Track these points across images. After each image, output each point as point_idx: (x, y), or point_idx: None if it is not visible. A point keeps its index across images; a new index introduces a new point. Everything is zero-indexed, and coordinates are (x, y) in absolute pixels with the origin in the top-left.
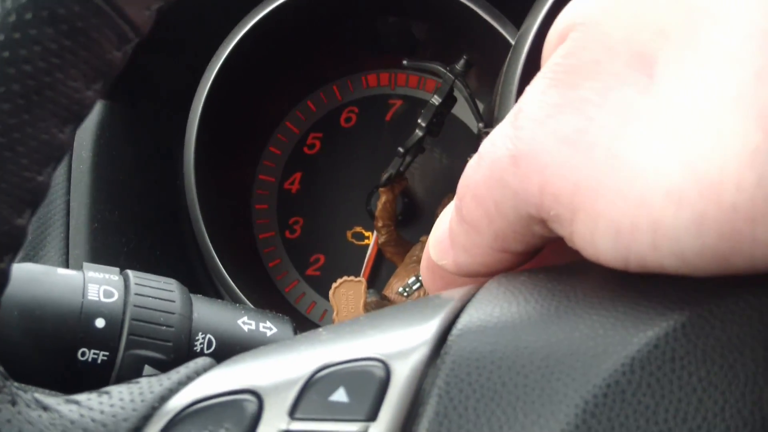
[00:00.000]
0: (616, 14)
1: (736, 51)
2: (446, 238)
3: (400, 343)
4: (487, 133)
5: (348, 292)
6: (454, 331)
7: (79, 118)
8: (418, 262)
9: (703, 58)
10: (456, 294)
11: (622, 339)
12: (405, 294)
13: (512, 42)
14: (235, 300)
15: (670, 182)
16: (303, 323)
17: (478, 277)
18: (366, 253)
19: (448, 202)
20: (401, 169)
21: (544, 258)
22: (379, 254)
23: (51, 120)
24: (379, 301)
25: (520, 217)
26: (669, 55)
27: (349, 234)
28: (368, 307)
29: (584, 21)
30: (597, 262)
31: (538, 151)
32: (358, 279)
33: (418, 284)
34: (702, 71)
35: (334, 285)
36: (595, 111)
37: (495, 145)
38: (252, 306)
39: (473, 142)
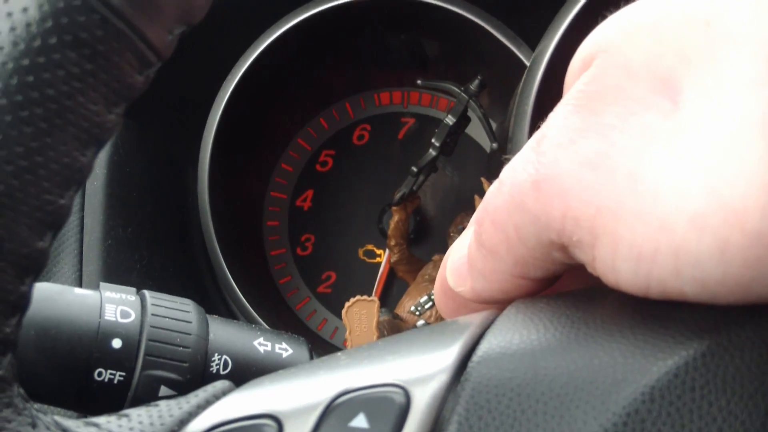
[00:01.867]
0: (637, 40)
1: (758, 75)
2: (463, 264)
3: (420, 369)
4: (502, 155)
5: (361, 311)
6: (474, 358)
7: (100, 142)
8: (431, 281)
9: (726, 83)
10: (475, 320)
11: (641, 367)
12: (417, 313)
13: (526, 63)
14: (246, 316)
15: (693, 207)
16: (314, 340)
17: (495, 304)
18: (377, 270)
19: (461, 221)
20: (414, 188)
21: (562, 284)
22: (391, 272)
23: (72, 143)
24: (391, 320)
25: (540, 243)
26: (692, 79)
27: (360, 252)
28: (381, 326)
29: (606, 48)
30: (618, 288)
31: (559, 176)
32: (371, 299)
33: (430, 303)
34: (725, 96)
35: (347, 304)
36: (618, 135)
37: (516, 171)
38: (263, 323)
39: (485, 162)
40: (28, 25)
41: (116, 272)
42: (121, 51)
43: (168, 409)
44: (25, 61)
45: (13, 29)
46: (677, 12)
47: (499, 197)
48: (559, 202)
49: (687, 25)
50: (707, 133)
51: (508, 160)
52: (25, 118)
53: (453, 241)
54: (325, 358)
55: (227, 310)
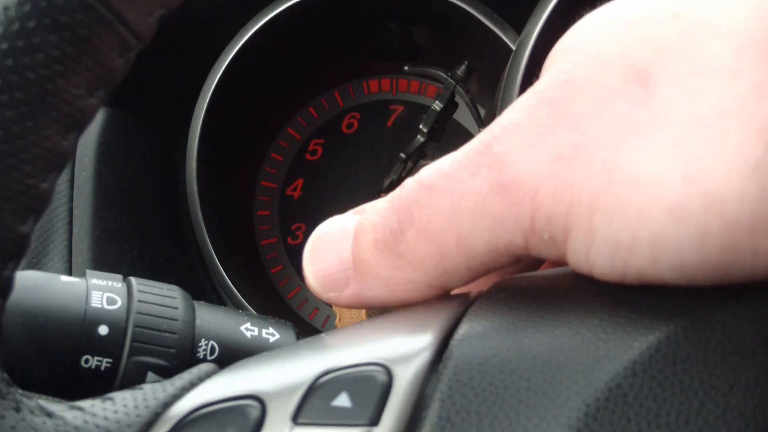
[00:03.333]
0: (610, 34)
1: (734, 64)
2: (344, 270)
3: (402, 348)
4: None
5: None
6: (456, 336)
7: (81, 126)
8: None
9: (701, 71)
10: (458, 299)
11: (623, 343)
12: None
13: (513, 47)
14: (238, 306)
15: (671, 196)
16: (305, 329)
17: (379, 307)
18: None
19: None
20: (403, 174)
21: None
22: None
23: (54, 127)
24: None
25: (491, 249)
26: (665, 67)
27: None
28: (371, 314)
29: (579, 43)
30: (591, 276)
31: (530, 175)
32: None
33: None
34: (700, 84)
35: None
36: (589, 125)
37: (461, 175)
38: (255, 312)
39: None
40: (5, 8)
41: (106, 263)
42: (101, 34)
43: (152, 391)
44: (4, 45)
45: None
46: (650, 8)
47: (433, 205)
48: (529, 201)
49: (659, 19)
50: (682, 121)
51: (425, 165)
52: (5, 101)
53: None
54: (308, 339)
55: (219, 300)
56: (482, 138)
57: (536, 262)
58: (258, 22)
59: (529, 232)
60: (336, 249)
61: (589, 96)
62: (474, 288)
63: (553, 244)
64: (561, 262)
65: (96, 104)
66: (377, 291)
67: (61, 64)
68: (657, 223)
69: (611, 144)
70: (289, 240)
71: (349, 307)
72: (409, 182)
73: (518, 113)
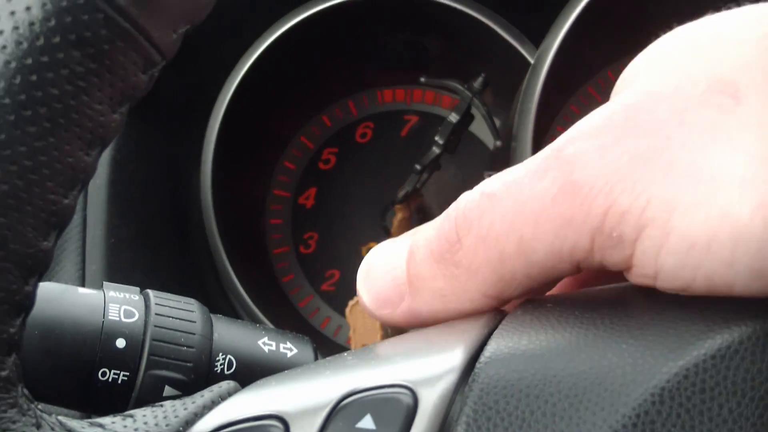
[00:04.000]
0: (695, 50)
1: None
2: (397, 286)
3: (427, 370)
4: (488, 169)
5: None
6: (482, 359)
7: (104, 142)
8: None
9: None
10: (482, 320)
11: (651, 368)
12: None
13: (530, 60)
14: (249, 314)
15: (761, 195)
16: (317, 339)
17: (427, 324)
18: None
19: None
20: (417, 186)
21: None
22: None
23: (76, 143)
24: None
25: (553, 253)
26: (754, 81)
27: (363, 249)
28: (385, 326)
29: (661, 60)
30: (651, 283)
31: (606, 173)
32: None
33: None
34: None
35: (350, 303)
36: (674, 130)
37: (526, 180)
38: (267, 321)
39: (489, 159)
40: (31, 24)
41: (119, 271)
42: (125, 50)
43: (173, 409)
44: (29, 60)
45: (16, 28)
46: (734, 28)
47: (495, 210)
48: (603, 198)
49: (745, 39)
50: None
51: (490, 175)
52: (28, 117)
53: None
54: (331, 358)
55: (230, 309)
56: (554, 144)
57: (593, 275)
58: (273, 32)
59: (597, 230)
60: (390, 268)
61: (673, 104)
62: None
63: (621, 244)
64: (623, 268)
65: (119, 120)
66: (431, 304)
67: (85, 80)
68: (742, 222)
69: (697, 147)
70: (302, 249)
71: (404, 325)
72: (468, 194)
73: (596, 118)
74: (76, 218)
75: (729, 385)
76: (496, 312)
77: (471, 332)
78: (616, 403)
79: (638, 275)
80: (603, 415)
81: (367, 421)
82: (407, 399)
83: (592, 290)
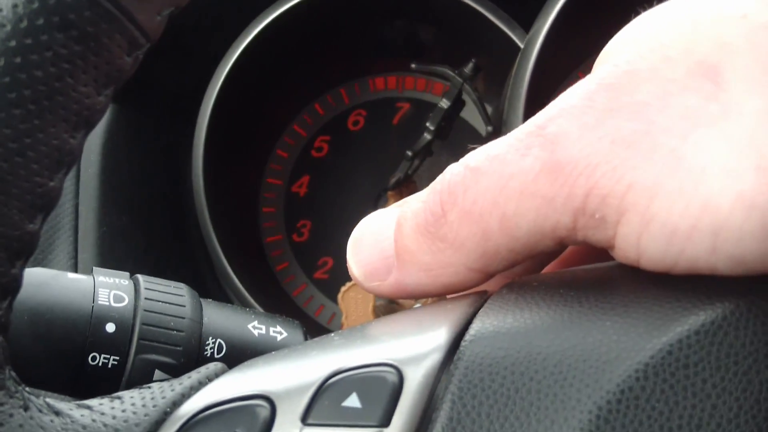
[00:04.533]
0: (673, 30)
1: None
2: (385, 258)
3: (412, 348)
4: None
5: (357, 295)
6: (467, 337)
7: (89, 124)
8: None
9: None
10: (468, 299)
11: (635, 344)
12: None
13: (521, 45)
14: (244, 304)
15: (742, 186)
16: (311, 327)
17: (418, 297)
18: None
19: None
20: (409, 172)
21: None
22: None
23: (62, 125)
24: (387, 304)
25: (536, 229)
26: (735, 65)
27: None
28: (377, 311)
29: (640, 37)
30: (635, 264)
31: (588, 155)
32: None
33: None
34: None
35: (342, 288)
36: (656, 115)
37: (510, 157)
38: (261, 309)
39: (481, 145)
40: (14, 6)
41: (112, 260)
42: (109, 32)
43: (161, 390)
44: (12, 43)
45: None
46: (715, 8)
47: (478, 186)
48: (584, 180)
49: (724, 18)
50: (755, 115)
51: (474, 148)
52: (13, 99)
53: None
54: (318, 339)
55: (224, 297)
56: (535, 120)
57: (582, 255)
58: (264, 19)
59: (579, 211)
60: (378, 239)
61: (654, 87)
62: (492, 286)
63: (603, 226)
64: (606, 247)
65: (104, 102)
66: (417, 277)
67: (69, 62)
68: (723, 212)
69: (680, 133)
70: (295, 237)
71: (391, 296)
72: (453, 166)
73: (575, 97)
74: (68, 207)
75: (713, 361)
76: (481, 292)
77: (456, 311)
78: (601, 379)
79: (621, 256)
80: (588, 392)
81: (353, 399)
82: (393, 377)
83: (577, 269)
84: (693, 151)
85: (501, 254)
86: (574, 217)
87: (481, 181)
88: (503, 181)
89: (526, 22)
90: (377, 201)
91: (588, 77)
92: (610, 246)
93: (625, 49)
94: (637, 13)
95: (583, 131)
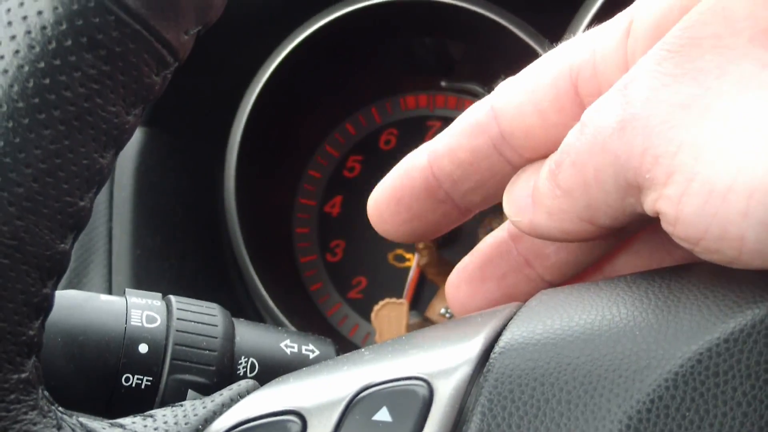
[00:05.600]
0: None
1: None
2: (527, 197)
3: (442, 361)
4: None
5: (390, 314)
6: (497, 349)
7: (119, 143)
8: None
9: None
10: (497, 312)
11: (665, 353)
12: (447, 315)
13: None
14: (277, 323)
15: None
16: (346, 346)
17: (550, 240)
18: (407, 274)
19: (489, 222)
20: None
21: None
22: (421, 276)
23: (91, 145)
24: (421, 322)
25: (617, 186)
26: None
27: (390, 256)
28: (411, 329)
29: None
30: (672, 232)
31: (647, 116)
32: (400, 301)
33: None
34: None
35: (376, 307)
36: (713, 81)
37: (600, 113)
38: (294, 329)
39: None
40: (43, 27)
41: (146, 281)
42: (137, 52)
43: (192, 408)
44: (41, 64)
45: (28, 32)
46: None
47: (581, 139)
48: (642, 139)
49: None
50: None
51: (503, 79)
52: (42, 120)
53: None
54: (348, 354)
55: (259, 319)
56: (622, 80)
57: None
58: (294, 39)
59: (637, 169)
60: (528, 179)
61: (715, 55)
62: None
63: (651, 187)
64: (652, 212)
65: (133, 122)
66: (544, 219)
67: (98, 82)
68: (758, 174)
69: (731, 98)
70: (328, 257)
71: (529, 233)
72: (585, 111)
73: (648, 61)
74: (102, 229)
75: (743, 368)
76: (512, 304)
77: (486, 324)
78: (631, 388)
79: (663, 222)
80: (618, 401)
81: (383, 414)
82: (423, 391)
83: (606, 280)
84: (740, 114)
85: (602, 208)
86: (635, 176)
87: (584, 133)
88: (596, 134)
89: (554, 37)
90: None
91: (658, 44)
92: (655, 213)
93: (693, 9)
94: None
95: (649, 94)
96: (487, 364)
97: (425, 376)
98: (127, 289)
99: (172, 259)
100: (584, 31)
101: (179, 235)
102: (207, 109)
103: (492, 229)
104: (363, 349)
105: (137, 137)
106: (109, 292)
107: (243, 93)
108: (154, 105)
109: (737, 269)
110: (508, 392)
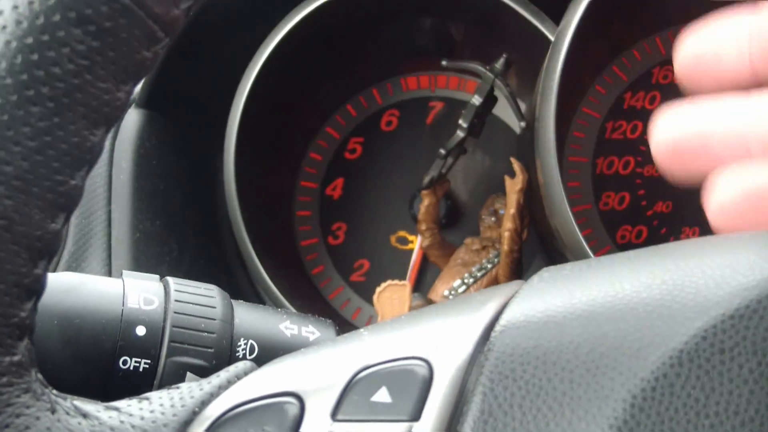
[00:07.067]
0: None
1: None
2: None
3: (442, 341)
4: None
5: (392, 296)
6: (497, 328)
7: (110, 120)
8: (463, 264)
9: None
10: (499, 291)
11: (669, 330)
12: (450, 297)
13: (552, 38)
14: (279, 307)
15: None
16: (348, 330)
17: None
18: (410, 257)
19: (492, 203)
20: (443, 171)
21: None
22: (424, 258)
23: (81, 122)
24: (424, 304)
25: None
26: None
27: (392, 238)
28: (411, 309)
29: None
30: None
31: None
32: (402, 283)
33: (463, 287)
34: None
35: (378, 289)
36: None
37: None
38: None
39: (515, 142)
40: (30, 2)
41: (145, 265)
42: (127, 27)
43: (189, 390)
44: (29, 40)
45: (15, 7)
46: None
47: None
48: None
49: None
50: None
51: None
52: (31, 97)
53: (485, 224)
54: (347, 335)
55: (260, 302)
56: None
57: None
58: (292, 19)
59: None
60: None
61: None
62: None
63: None
64: None
65: (124, 99)
66: None
67: (87, 58)
68: None
69: None
70: (330, 240)
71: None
72: None
73: None
74: (101, 214)
75: (748, 345)
76: (514, 283)
77: (487, 302)
78: (635, 367)
79: None
80: (621, 380)
81: (382, 394)
82: (423, 371)
83: (609, 256)
84: None
85: None
86: None
87: None
88: None
89: (557, 15)
90: (412, 202)
91: None
92: None
93: None
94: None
95: None
96: (488, 343)
97: (425, 356)
98: (124, 271)
99: (172, 243)
100: (585, 9)
101: (179, 218)
102: (206, 92)
103: (495, 211)
104: (362, 330)
105: (136, 120)
106: (109, 276)
107: (241, 75)
108: (152, 88)
109: (743, 245)
110: (509, 371)
